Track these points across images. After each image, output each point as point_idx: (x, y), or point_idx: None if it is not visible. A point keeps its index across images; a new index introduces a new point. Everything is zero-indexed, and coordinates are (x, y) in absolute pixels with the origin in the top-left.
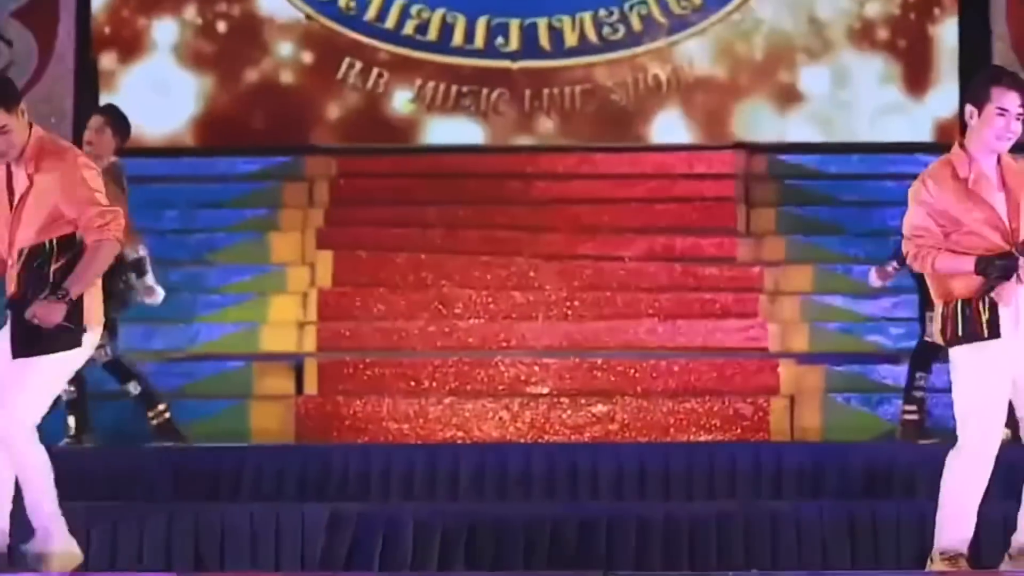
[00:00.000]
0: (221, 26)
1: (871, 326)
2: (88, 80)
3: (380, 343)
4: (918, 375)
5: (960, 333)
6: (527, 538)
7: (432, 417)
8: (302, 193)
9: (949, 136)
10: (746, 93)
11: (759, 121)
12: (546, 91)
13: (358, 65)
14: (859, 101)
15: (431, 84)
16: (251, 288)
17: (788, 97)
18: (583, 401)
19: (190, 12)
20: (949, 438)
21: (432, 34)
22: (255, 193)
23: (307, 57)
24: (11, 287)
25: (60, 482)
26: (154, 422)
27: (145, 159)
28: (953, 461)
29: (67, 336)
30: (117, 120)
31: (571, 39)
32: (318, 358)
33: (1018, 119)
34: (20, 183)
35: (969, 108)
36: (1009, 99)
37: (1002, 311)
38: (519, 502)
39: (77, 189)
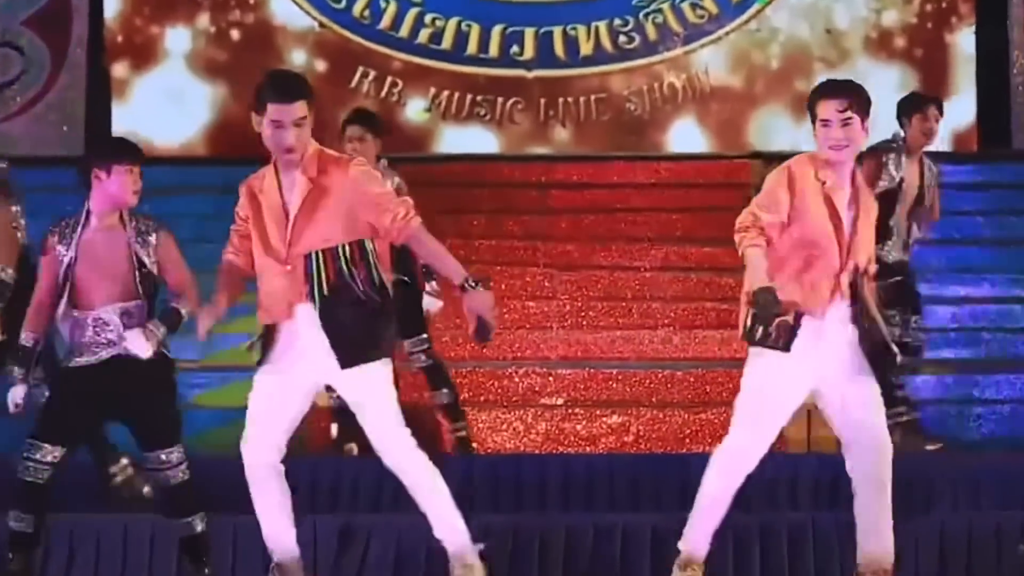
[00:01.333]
0: (235, 34)
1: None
2: (100, 88)
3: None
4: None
5: (758, 335)
6: (541, 549)
7: (445, 427)
8: None
9: (967, 145)
10: (762, 102)
11: (775, 130)
12: (561, 100)
13: (372, 74)
14: (876, 110)
15: (445, 93)
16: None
17: (803, 107)
18: (598, 412)
19: (203, 20)
20: (954, 444)
21: (447, 43)
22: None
23: (320, 66)
24: (294, 292)
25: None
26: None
27: (158, 168)
28: (716, 458)
29: (477, 330)
30: (374, 125)
31: (586, 48)
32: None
33: (845, 124)
34: (299, 188)
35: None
36: (826, 108)
37: (804, 324)
38: (533, 513)
39: (370, 191)
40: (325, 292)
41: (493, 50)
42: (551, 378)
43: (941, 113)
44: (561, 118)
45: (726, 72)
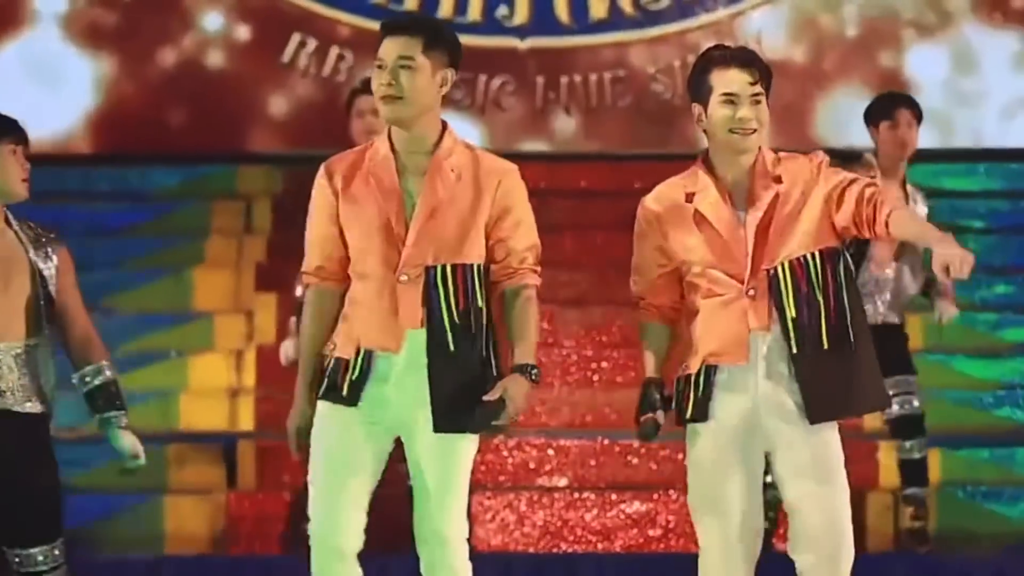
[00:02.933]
0: None
1: (1002, 395)
2: None
3: None
4: (906, 444)
5: (683, 410)
6: None
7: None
8: (236, 215)
9: None
10: (834, 82)
11: (850, 119)
12: (564, 79)
13: (311, 43)
14: (987, 93)
15: None
16: (166, 344)
17: (890, 87)
18: (614, 497)
19: None
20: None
21: (410, 2)
22: (172, 215)
23: (243, 32)
24: (407, 313)
25: None
26: None
27: None
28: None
29: (494, 410)
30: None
31: (598, 9)
32: (256, 439)
33: (756, 102)
34: (433, 176)
35: (696, 109)
36: (730, 79)
37: (720, 389)
38: None
39: (519, 210)
40: (446, 320)
41: (473, 11)
42: (552, 451)
43: (918, 116)
44: (564, 103)
45: (786, 41)
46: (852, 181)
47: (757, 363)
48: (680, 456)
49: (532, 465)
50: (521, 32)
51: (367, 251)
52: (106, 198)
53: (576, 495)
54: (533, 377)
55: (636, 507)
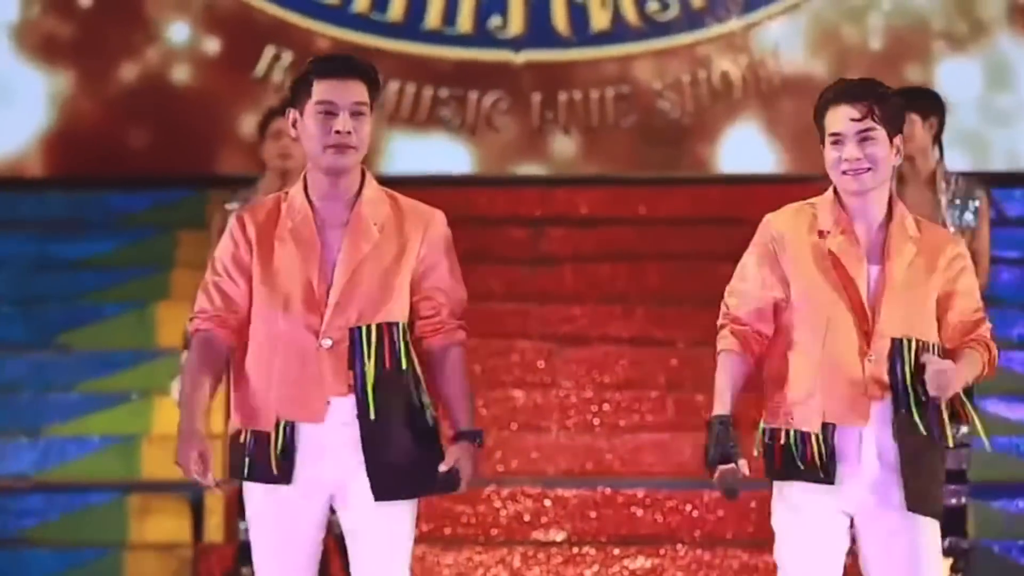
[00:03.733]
0: None
1: None
2: None
3: None
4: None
5: (785, 466)
6: None
7: (336, 566)
8: (204, 245)
9: None
10: None
11: None
12: (563, 96)
13: (287, 56)
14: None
15: (394, 85)
16: (128, 385)
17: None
18: (616, 552)
19: None
20: None
21: (395, 11)
22: (134, 245)
23: (212, 45)
24: (332, 380)
25: None
26: None
27: None
28: None
29: (445, 478)
30: None
31: (600, 19)
32: (226, 488)
33: (864, 139)
34: (356, 227)
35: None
36: (836, 118)
37: (840, 440)
38: None
39: (446, 263)
40: (371, 384)
41: (464, 22)
42: (548, 502)
43: (937, 116)
44: (563, 123)
45: (805, 54)
46: (979, 310)
47: (867, 434)
48: (688, 507)
49: (527, 517)
50: (516, 44)
51: (283, 314)
52: (61, 226)
53: (575, 550)
54: (479, 443)
55: (640, 563)
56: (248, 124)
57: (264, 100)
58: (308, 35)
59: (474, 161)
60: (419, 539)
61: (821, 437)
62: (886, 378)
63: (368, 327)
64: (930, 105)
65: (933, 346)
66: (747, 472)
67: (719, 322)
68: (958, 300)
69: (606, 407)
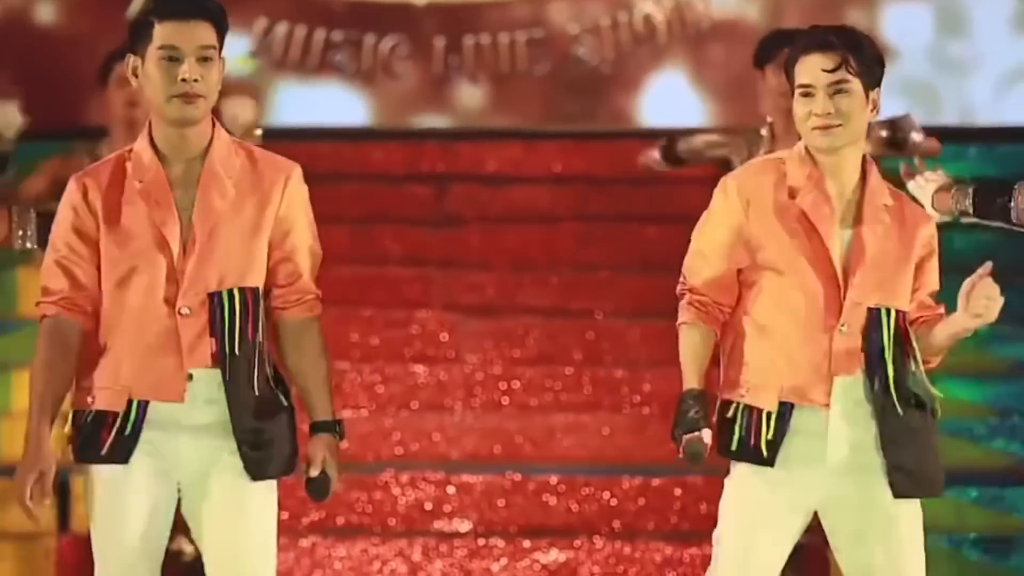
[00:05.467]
0: None
1: (995, 424)
2: None
3: None
4: None
5: (732, 445)
6: None
7: (282, 567)
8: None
9: None
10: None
11: None
12: (469, 40)
13: None
14: (979, 60)
15: (281, 28)
16: None
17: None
18: (527, 544)
19: None
20: None
21: None
22: None
23: None
24: (190, 351)
25: None
26: None
27: None
28: None
29: (315, 482)
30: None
31: None
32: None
33: (838, 91)
34: (209, 183)
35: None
36: (807, 69)
37: (798, 419)
38: None
39: (303, 221)
40: (239, 354)
41: None
42: (452, 489)
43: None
44: (469, 70)
45: None
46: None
47: (836, 410)
48: (606, 495)
49: (428, 506)
50: None
51: (134, 282)
52: None
53: (481, 541)
54: (340, 435)
55: (553, 556)
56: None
57: None
58: None
59: (370, 112)
60: (309, 529)
61: (775, 416)
62: (859, 351)
63: (231, 291)
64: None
65: (905, 315)
66: (709, 441)
67: (677, 290)
68: (931, 275)
69: (516, 384)
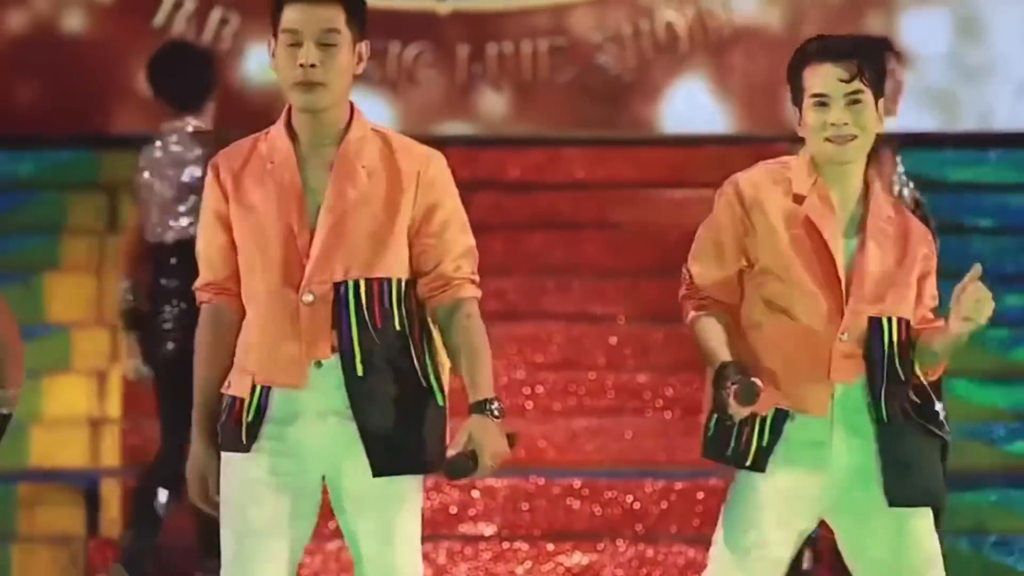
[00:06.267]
0: None
1: (1015, 428)
2: None
3: None
4: None
5: (728, 450)
6: None
7: (307, 571)
8: (97, 210)
9: None
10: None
11: None
12: (493, 49)
13: (189, 4)
14: (997, 67)
15: None
16: None
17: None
18: (550, 547)
19: None
20: None
21: None
22: (20, 210)
23: None
24: (313, 341)
25: None
26: None
27: None
28: None
29: (458, 461)
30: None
31: None
32: (122, 477)
33: (853, 102)
34: (340, 171)
35: (795, 114)
36: (821, 77)
37: (788, 439)
38: None
39: (448, 207)
40: (359, 346)
41: None
42: (476, 493)
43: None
44: (493, 78)
45: (758, 5)
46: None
47: (836, 420)
48: (629, 499)
49: (453, 510)
50: None
51: (262, 266)
52: None
53: (505, 545)
54: (496, 414)
55: (577, 559)
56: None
57: None
58: None
59: (394, 119)
60: (336, 533)
61: (769, 423)
62: (860, 359)
63: (356, 282)
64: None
65: (908, 325)
66: (762, 384)
67: (681, 292)
68: (924, 302)
69: (539, 389)
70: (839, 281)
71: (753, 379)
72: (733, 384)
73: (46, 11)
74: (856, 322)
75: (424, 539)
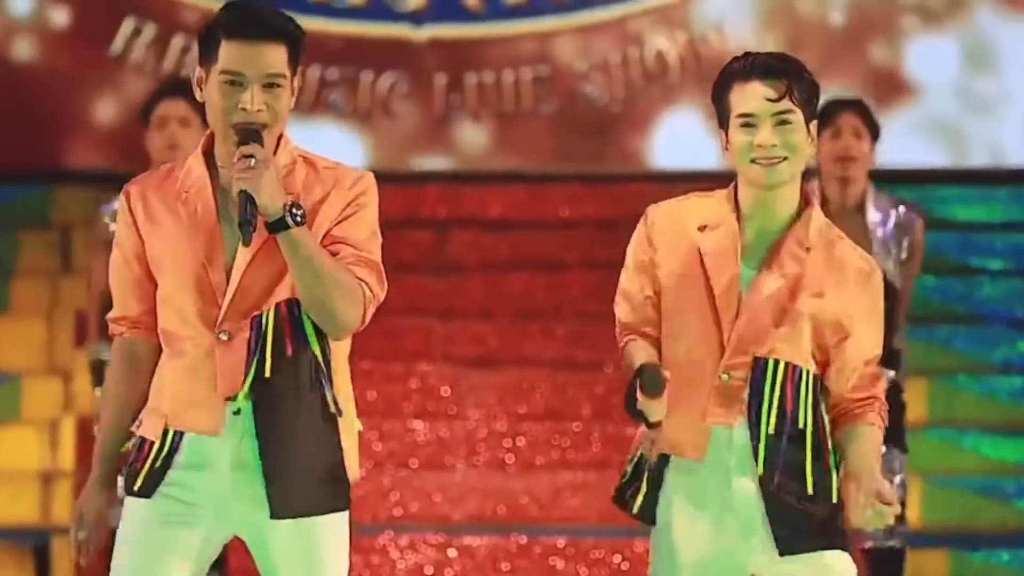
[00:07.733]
0: None
1: None
2: None
3: None
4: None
5: (626, 498)
6: None
7: None
8: (50, 250)
9: None
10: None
11: None
12: (472, 78)
13: (148, 31)
14: (1008, 98)
15: None
16: None
17: (887, 90)
18: None
19: None
20: None
21: None
22: None
23: (60, 17)
24: (228, 379)
25: None
26: None
27: None
28: None
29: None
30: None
31: None
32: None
33: (782, 122)
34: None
35: (721, 136)
36: (748, 97)
37: (669, 484)
38: None
39: (365, 227)
40: (271, 375)
41: None
42: (453, 552)
43: (869, 125)
44: (472, 109)
45: (755, 31)
46: (873, 362)
47: (714, 465)
48: (617, 559)
49: (429, 570)
50: (417, 18)
51: (176, 303)
52: None
53: None
54: (298, 219)
55: None
56: (103, 110)
57: (122, 81)
58: (173, 6)
59: (368, 153)
60: None
61: (650, 469)
62: (742, 402)
63: (268, 311)
64: (871, 119)
65: (806, 373)
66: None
67: (616, 331)
68: (860, 337)
69: (521, 441)
70: (720, 318)
71: (659, 367)
72: (638, 377)
73: None
74: (740, 362)
75: None
